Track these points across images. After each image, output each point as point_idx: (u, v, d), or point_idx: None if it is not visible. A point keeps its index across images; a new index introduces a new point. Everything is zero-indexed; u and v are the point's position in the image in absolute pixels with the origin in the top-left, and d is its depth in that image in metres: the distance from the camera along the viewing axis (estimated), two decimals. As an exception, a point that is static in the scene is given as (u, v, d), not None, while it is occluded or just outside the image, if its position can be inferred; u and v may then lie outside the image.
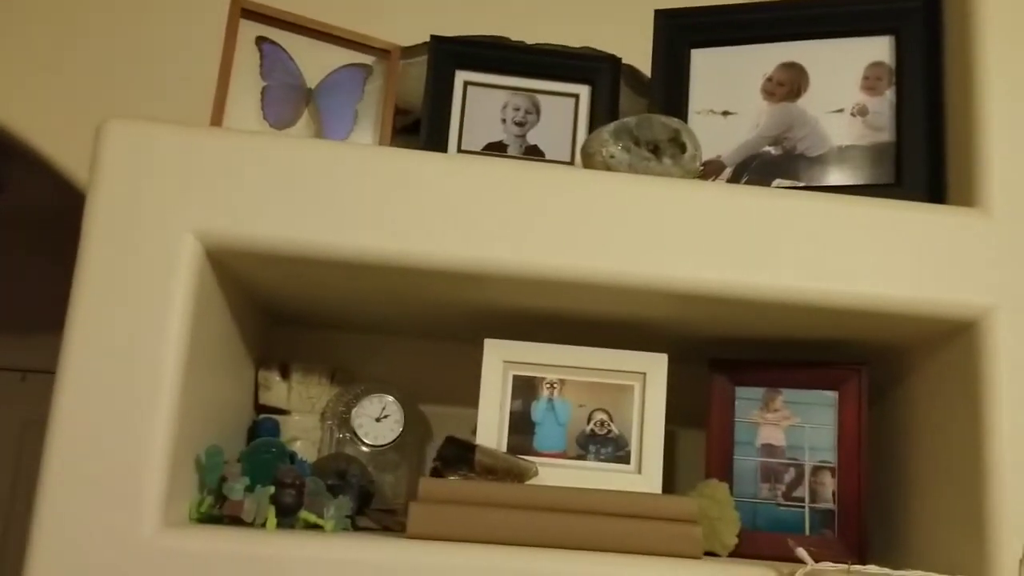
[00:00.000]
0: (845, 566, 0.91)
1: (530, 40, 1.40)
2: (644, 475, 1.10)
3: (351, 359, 1.33)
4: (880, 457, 1.22)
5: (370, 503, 1.16)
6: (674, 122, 1.09)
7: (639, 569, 0.95)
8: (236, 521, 1.00)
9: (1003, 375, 1.00)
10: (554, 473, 1.09)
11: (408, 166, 1.02)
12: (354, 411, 1.24)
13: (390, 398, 1.25)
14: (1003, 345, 1.01)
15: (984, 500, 0.98)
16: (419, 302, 1.13)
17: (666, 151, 1.08)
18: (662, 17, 1.24)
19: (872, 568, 0.91)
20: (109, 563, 0.90)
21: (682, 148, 1.07)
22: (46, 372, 2.49)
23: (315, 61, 1.11)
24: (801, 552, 0.93)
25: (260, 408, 1.25)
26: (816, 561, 0.95)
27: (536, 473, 1.07)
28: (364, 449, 1.22)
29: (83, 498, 0.91)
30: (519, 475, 1.06)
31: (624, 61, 1.35)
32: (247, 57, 1.08)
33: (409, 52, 1.32)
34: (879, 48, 1.17)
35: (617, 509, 1.00)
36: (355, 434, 1.23)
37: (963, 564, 1.00)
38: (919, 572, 0.93)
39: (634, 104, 1.34)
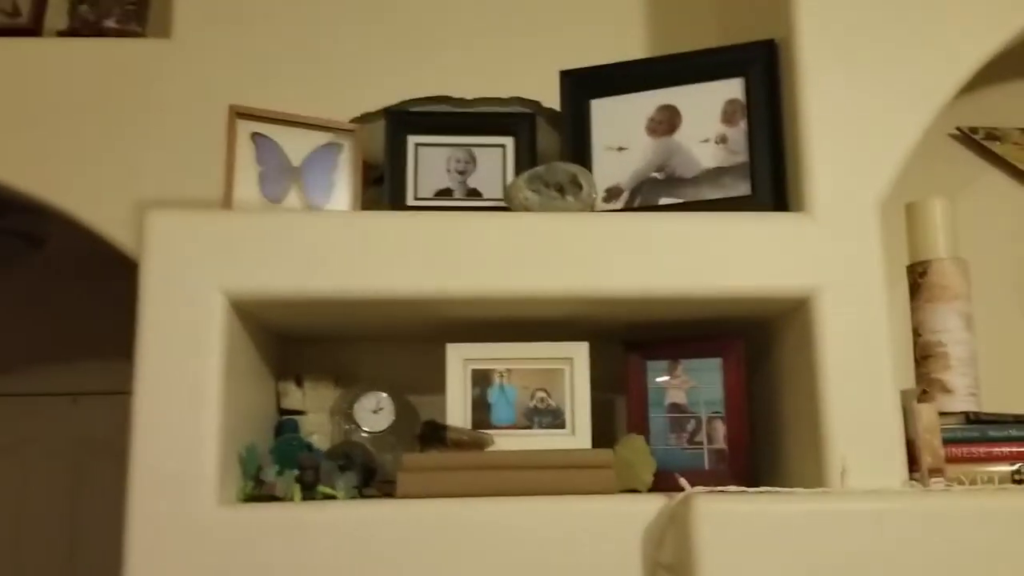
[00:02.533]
0: (711, 488, 1.25)
1: (469, 94, 1.73)
2: (577, 436, 1.45)
3: (351, 366, 1.66)
4: (763, 406, 1.56)
5: (375, 477, 1.50)
6: (572, 167, 1.43)
7: (569, 506, 1.29)
8: (272, 498, 1.35)
9: (828, 336, 1.34)
10: (508, 441, 1.43)
11: (377, 224, 1.36)
12: (355, 407, 1.57)
13: (383, 394, 1.59)
14: (828, 315, 1.35)
15: (819, 432, 1.33)
16: (398, 320, 1.48)
17: (569, 190, 1.42)
18: (566, 76, 1.57)
19: (731, 488, 1.25)
20: (182, 533, 1.25)
21: (580, 187, 1.41)
22: (93, 394, 2.84)
23: (297, 145, 1.45)
24: (682, 481, 1.27)
25: (282, 411, 1.59)
26: (710, 487, 1.27)
27: (493, 442, 1.42)
28: (365, 435, 1.56)
29: (160, 488, 1.26)
30: (480, 445, 1.41)
31: (546, 103, 1.68)
32: (245, 149, 1.42)
33: (370, 117, 1.66)
34: (733, 88, 1.50)
35: (552, 463, 1.35)
36: (357, 425, 1.57)
37: (810, 480, 1.35)
38: (771, 488, 1.27)
39: (554, 140, 1.66)
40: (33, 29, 1.85)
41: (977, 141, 1.79)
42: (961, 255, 1.50)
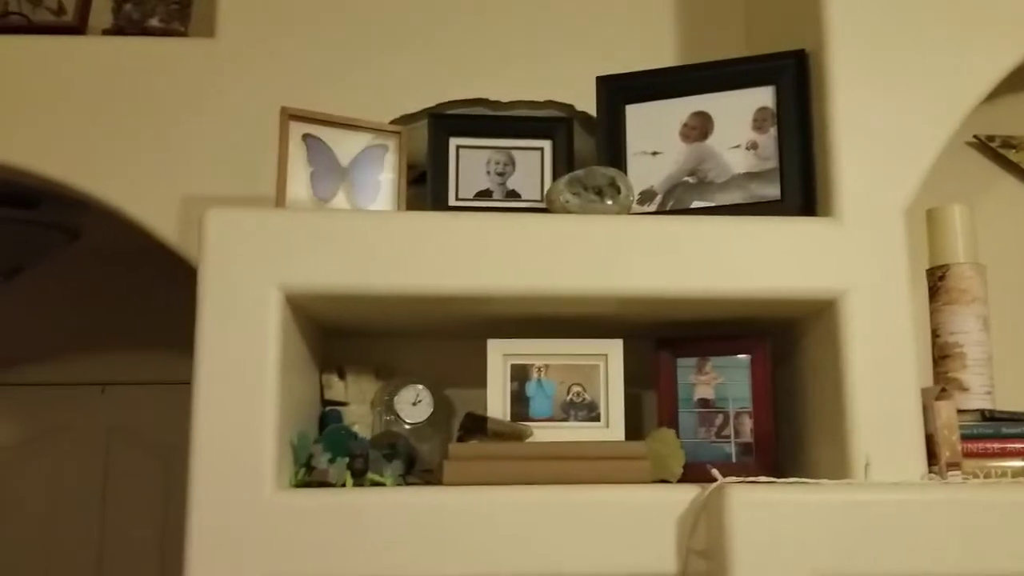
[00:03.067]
0: (742, 479, 1.31)
1: (505, 97, 1.80)
2: (611, 428, 1.51)
3: (391, 359, 1.72)
4: (788, 402, 1.63)
5: (415, 466, 1.57)
6: (611, 171, 1.49)
7: (606, 494, 1.36)
8: (323, 484, 1.41)
9: (853, 337, 1.41)
10: (545, 433, 1.50)
11: (422, 223, 1.43)
12: (395, 399, 1.64)
13: (421, 387, 1.65)
14: (854, 316, 1.42)
15: (843, 427, 1.40)
16: (439, 316, 1.54)
17: (607, 193, 1.48)
18: (602, 82, 1.63)
19: (762, 478, 1.32)
20: (241, 516, 1.32)
21: (618, 190, 1.48)
22: (122, 384, 2.91)
23: (345, 145, 1.52)
24: (715, 472, 1.34)
25: (325, 402, 1.66)
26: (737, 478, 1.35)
27: (531, 434, 1.48)
28: (405, 426, 1.63)
29: (221, 475, 1.33)
30: (519, 436, 1.48)
31: (578, 107, 1.74)
32: (296, 149, 1.48)
33: (414, 117, 1.73)
34: (764, 96, 1.56)
35: (588, 454, 1.42)
36: (397, 416, 1.63)
37: (834, 472, 1.41)
38: (799, 479, 1.34)
39: (588, 144, 1.72)
40: (78, 27, 1.90)
41: (993, 149, 1.86)
42: (982, 260, 1.56)
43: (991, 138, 1.87)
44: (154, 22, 1.90)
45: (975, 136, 1.88)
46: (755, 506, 1.28)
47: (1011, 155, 1.85)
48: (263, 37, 1.86)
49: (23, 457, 2.90)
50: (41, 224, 2.33)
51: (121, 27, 1.89)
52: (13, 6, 1.91)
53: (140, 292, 2.75)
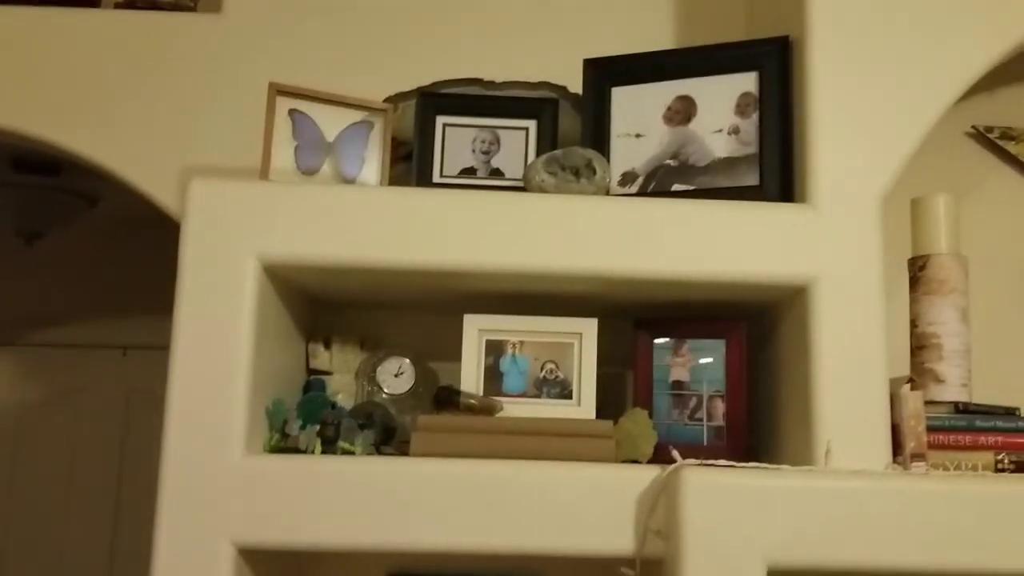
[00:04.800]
0: (701, 461, 1.33)
1: (500, 77, 1.82)
2: (583, 407, 1.53)
3: (378, 331, 1.76)
4: (764, 387, 1.63)
5: (394, 436, 1.60)
6: (589, 152, 1.50)
7: (569, 471, 1.38)
8: (295, 450, 1.46)
9: (822, 324, 1.41)
10: (518, 409, 1.53)
11: (403, 198, 1.46)
12: (378, 370, 1.68)
13: (405, 359, 1.69)
14: (824, 303, 1.42)
15: (809, 413, 1.40)
16: (417, 290, 1.57)
17: (583, 174, 1.49)
18: (589, 64, 1.64)
19: (720, 462, 1.33)
20: (211, 479, 1.36)
21: (594, 172, 1.49)
22: (143, 348, 2.99)
23: (331, 121, 1.54)
24: (674, 453, 1.35)
25: (310, 371, 1.70)
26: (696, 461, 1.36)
27: (502, 408, 1.51)
28: (386, 397, 1.66)
29: (192, 437, 1.37)
30: (490, 410, 1.50)
31: (573, 89, 1.75)
32: (283, 124, 1.52)
33: (403, 96, 1.75)
34: (747, 81, 1.56)
35: (556, 430, 1.44)
36: (380, 387, 1.67)
37: (800, 459, 1.42)
38: (758, 464, 1.35)
39: (578, 124, 1.73)
40: (91, 1, 1.96)
41: (992, 140, 1.83)
42: (973, 251, 1.56)
43: (990, 129, 1.84)
44: (164, -4, 1.94)
45: (973, 127, 1.85)
46: (709, 489, 1.29)
47: (1010, 147, 1.83)
48: (267, 13, 1.90)
49: (46, 416, 3.00)
50: (62, 190, 2.41)
51: (133, 1, 1.95)
52: (30, -22, 1.97)
53: (159, 258, 2.82)
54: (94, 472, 2.98)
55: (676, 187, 1.57)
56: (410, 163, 1.67)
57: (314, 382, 1.67)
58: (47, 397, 3.02)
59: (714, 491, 1.29)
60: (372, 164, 1.56)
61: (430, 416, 1.48)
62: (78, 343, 2.99)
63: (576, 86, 1.77)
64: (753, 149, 1.54)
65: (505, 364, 1.55)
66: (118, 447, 3.00)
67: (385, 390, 1.66)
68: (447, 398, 1.52)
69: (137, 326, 2.97)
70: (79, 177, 2.36)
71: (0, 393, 2.99)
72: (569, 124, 1.71)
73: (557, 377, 1.55)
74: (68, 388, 3.03)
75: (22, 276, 2.94)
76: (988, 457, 1.45)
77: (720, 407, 1.55)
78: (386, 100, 1.69)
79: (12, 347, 2.96)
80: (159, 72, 1.88)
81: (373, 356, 1.69)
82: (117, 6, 1.95)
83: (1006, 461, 1.44)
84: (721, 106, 1.57)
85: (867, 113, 1.46)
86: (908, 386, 1.43)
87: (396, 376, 1.68)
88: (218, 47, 1.89)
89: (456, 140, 1.65)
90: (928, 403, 1.45)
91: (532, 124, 1.65)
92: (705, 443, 1.55)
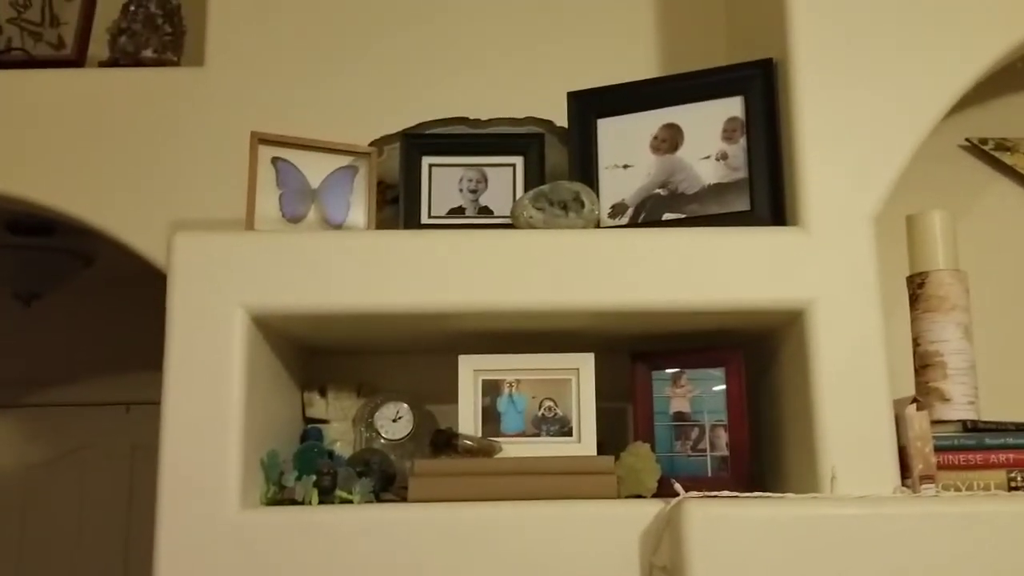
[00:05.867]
0: (704, 493, 1.30)
1: (485, 115, 1.81)
2: (583, 443, 1.50)
3: (373, 377, 1.73)
4: (766, 415, 1.60)
5: (394, 482, 1.58)
6: (576, 185, 1.49)
7: (572, 509, 1.35)
8: (292, 502, 1.43)
9: (821, 347, 1.39)
10: (517, 448, 1.50)
11: (390, 242, 1.44)
12: (376, 415, 1.65)
13: (403, 404, 1.66)
14: (822, 326, 1.40)
15: (813, 439, 1.37)
16: (410, 333, 1.56)
17: (572, 208, 1.48)
18: (573, 97, 1.63)
19: (724, 493, 1.30)
20: (207, 534, 1.34)
21: (582, 205, 1.47)
22: (146, 403, 2.97)
23: (315, 168, 1.54)
24: (677, 486, 1.32)
25: (307, 420, 1.68)
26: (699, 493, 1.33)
27: (501, 449, 1.48)
28: (385, 443, 1.64)
29: (187, 493, 1.35)
30: (489, 452, 1.48)
31: (559, 122, 1.74)
32: (266, 172, 1.51)
33: (388, 139, 1.74)
34: (733, 106, 1.55)
35: (555, 469, 1.41)
36: (378, 433, 1.65)
37: (806, 486, 1.39)
38: (762, 493, 1.32)
39: (566, 157, 1.72)
40: (77, 60, 1.97)
41: (987, 152, 1.81)
42: (972, 265, 1.53)
43: (984, 141, 1.82)
44: (148, 53, 1.95)
45: (967, 139, 1.84)
46: (714, 521, 1.26)
47: (1006, 158, 1.81)
48: (250, 64, 1.90)
49: (52, 475, 2.99)
50: (56, 251, 2.40)
51: (117, 59, 1.95)
52: (16, 41, 1.98)
53: (157, 314, 2.81)
54: (102, 529, 2.95)
55: (667, 216, 1.55)
56: (397, 206, 1.66)
57: (311, 431, 1.64)
58: (52, 457, 3.01)
59: (718, 523, 1.26)
60: (358, 209, 1.54)
61: (427, 460, 1.45)
62: (81, 402, 2.98)
63: (562, 119, 1.76)
64: (742, 174, 1.52)
65: (502, 404, 1.53)
66: (125, 504, 2.98)
67: (384, 436, 1.64)
68: (444, 441, 1.49)
69: (139, 382, 2.95)
70: (73, 237, 2.36)
71: (5, 455, 2.98)
72: (557, 158, 1.70)
73: (556, 414, 1.52)
74: (73, 447, 3.01)
75: (22, 337, 2.94)
76: (1000, 476, 1.41)
77: (723, 437, 1.52)
78: (371, 144, 1.68)
79: (15, 408, 2.96)
80: (145, 128, 1.88)
81: (370, 402, 1.67)
82: (101, 64, 1.96)
83: (1019, 479, 1.40)
84: (708, 132, 1.55)
85: (855, 131, 1.45)
86: (913, 406, 1.40)
87: (394, 421, 1.65)
88: (202, 100, 1.89)
89: (443, 180, 1.63)
90: (935, 423, 1.43)
91: (519, 160, 1.63)
92: (709, 474, 1.52)
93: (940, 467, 1.39)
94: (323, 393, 1.68)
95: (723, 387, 1.53)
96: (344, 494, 1.44)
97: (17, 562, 2.95)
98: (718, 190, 1.53)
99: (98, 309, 2.93)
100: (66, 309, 2.90)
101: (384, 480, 1.54)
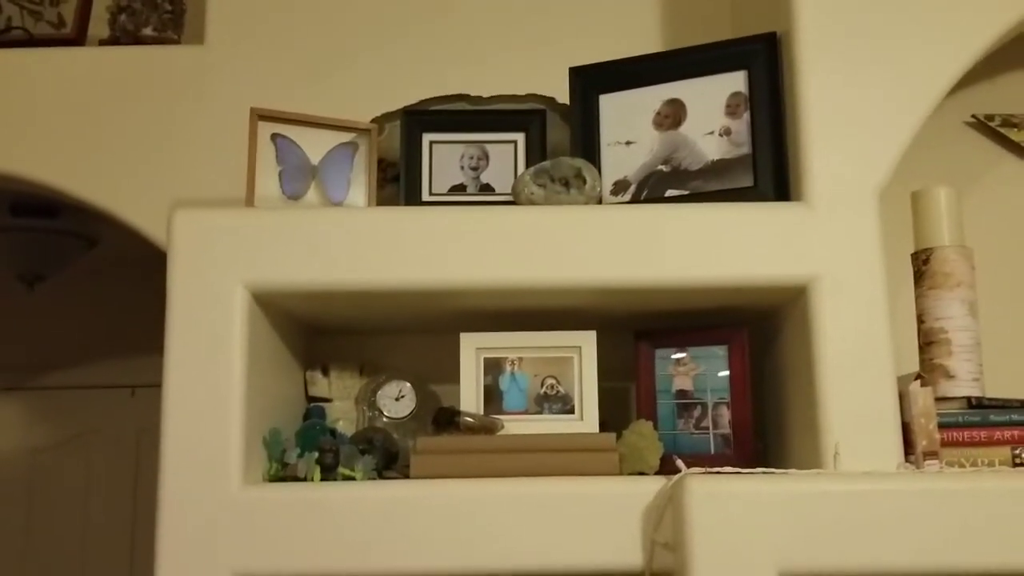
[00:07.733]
0: (705, 470, 1.29)
1: (486, 92, 1.80)
2: (585, 421, 1.50)
3: (377, 356, 1.73)
4: (770, 392, 1.59)
5: (396, 461, 1.57)
6: (577, 161, 1.48)
7: (573, 487, 1.35)
8: (295, 479, 1.43)
9: (825, 324, 1.38)
10: (519, 426, 1.49)
11: (390, 218, 1.43)
12: (379, 394, 1.65)
13: (405, 382, 1.66)
14: (825, 302, 1.38)
15: (816, 416, 1.36)
16: (412, 311, 1.55)
17: (573, 184, 1.47)
18: (575, 73, 1.62)
19: (726, 469, 1.29)
20: (209, 511, 1.34)
21: (584, 181, 1.46)
22: (151, 386, 2.97)
23: (315, 144, 1.53)
24: (679, 462, 1.31)
25: (310, 399, 1.67)
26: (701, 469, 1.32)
27: (503, 427, 1.48)
28: (387, 421, 1.63)
29: (189, 470, 1.35)
30: (490, 429, 1.47)
31: (561, 99, 1.73)
32: (266, 149, 1.50)
33: (390, 116, 1.73)
34: (737, 81, 1.53)
35: (556, 446, 1.41)
36: (381, 411, 1.64)
37: (809, 463, 1.38)
38: (764, 469, 1.31)
39: (565, 134, 1.70)
40: (77, 39, 1.96)
41: (993, 128, 1.80)
42: (978, 242, 1.51)
43: (991, 117, 1.80)
44: (148, 31, 1.94)
45: (974, 116, 1.82)
46: (716, 497, 1.25)
47: (1012, 134, 1.79)
48: (250, 41, 1.89)
49: (57, 458, 2.99)
50: (60, 232, 2.40)
51: (117, 37, 1.94)
52: (16, 20, 1.98)
53: (161, 295, 2.82)
54: (108, 512, 2.96)
55: (669, 193, 1.54)
56: (398, 184, 1.65)
57: (314, 410, 1.64)
58: (58, 440, 3.01)
59: (720, 499, 1.25)
60: (359, 186, 1.54)
61: (429, 438, 1.45)
62: (86, 384, 2.98)
63: (564, 96, 1.74)
64: (746, 150, 1.51)
65: (504, 382, 1.52)
66: (131, 486, 2.98)
67: (386, 414, 1.63)
68: (447, 419, 1.49)
69: (144, 365, 2.93)
70: (77, 218, 2.35)
71: (11, 438, 2.98)
72: (559, 135, 1.69)
73: (558, 392, 1.52)
74: (78, 430, 3.02)
75: (26, 320, 2.94)
76: (1005, 452, 1.40)
77: (726, 414, 1.52)
78: (372, 121, 1.67)
79: (21, 391, 2.96)
80: (146, 107, 1.87)
81: (373, 381, 1.66)
82: (102, 43, 1.95)
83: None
84: (711, 108, 1.54)
85: (860, 106, 1.43)
86: (917, 383, 1.39)
87: (397, 400, 1.65)
88: (203, 78, 1.87)
89: (444, 157, 1.62)
90: (939, 399, 1.42)
91: (520, 137, 1.62)
92: (712, 451, 1.51)
93: (944, 444, 1.38)
94: (326, 372, 1.68)
95: (726, 365, 1.52)
96: (347, 471, 1.44)
97: (23, 545, 2.96)
98: (721, 166, 1.52)
99: (103, 291, 2.93)
100: (70, 291, 2.90)
101: (387, 458, 1.54)
